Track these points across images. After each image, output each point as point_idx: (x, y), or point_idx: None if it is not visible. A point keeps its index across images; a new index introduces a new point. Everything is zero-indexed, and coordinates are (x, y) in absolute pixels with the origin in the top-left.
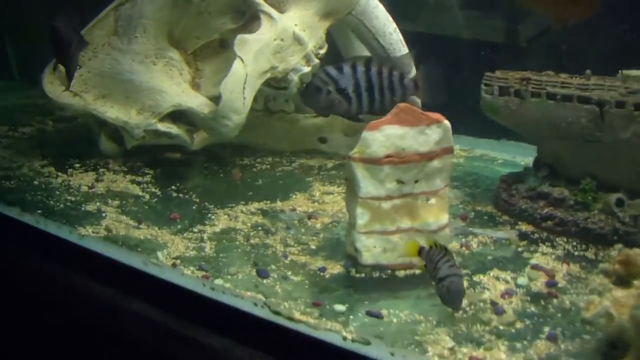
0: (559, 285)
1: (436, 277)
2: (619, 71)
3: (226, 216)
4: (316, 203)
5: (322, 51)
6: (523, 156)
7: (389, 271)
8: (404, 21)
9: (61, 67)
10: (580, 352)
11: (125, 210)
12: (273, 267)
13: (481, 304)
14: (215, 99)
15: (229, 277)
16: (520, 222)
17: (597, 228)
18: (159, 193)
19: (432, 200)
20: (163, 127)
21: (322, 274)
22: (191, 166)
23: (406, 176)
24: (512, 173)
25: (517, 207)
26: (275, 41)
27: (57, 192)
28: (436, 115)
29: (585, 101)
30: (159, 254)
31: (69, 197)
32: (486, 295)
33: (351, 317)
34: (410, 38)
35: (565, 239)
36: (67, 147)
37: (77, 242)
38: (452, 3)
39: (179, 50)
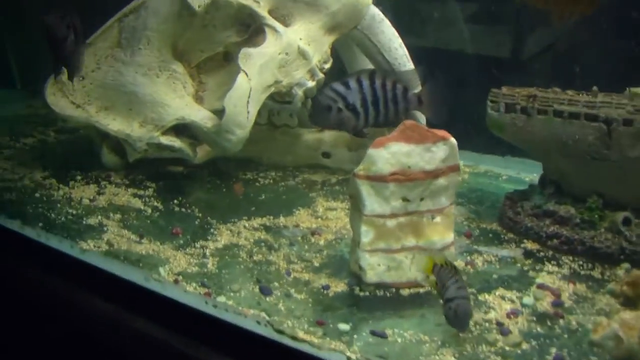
0: (565, 305)
1: (444, 297)
2: (627, 89)
3: (229, 231)
4: (319, 219)
5: (327, 66)
6: (528, 173)
7: (394, 290)
8: (408, 36)
9: (62, 77)
10: None
11: (127, 225)
12: (276, 284)
13: (487, 324)
14: (219, 113)
15: (232, 294)
16: (525, 240)
17: (603, 247)
18: (161, 207)
19: (438, 219)
20: (166, 140)
21: (325, 292)
22: (194, 180)
23: (412, 194)
24: (517, 190)
25: (522, 225)
26: (279, 55)
27: (59, 205)
28: (442, 133)
29: (592, 119)
30: (161, 269)
31: (70, 210)
32: (492, 315)
33: (355, 336)
34: (415, 53)
35: (571, 258)
36: (68, 159)
37: (78, 257)
38: (457, 17)
39: (183, 63)
